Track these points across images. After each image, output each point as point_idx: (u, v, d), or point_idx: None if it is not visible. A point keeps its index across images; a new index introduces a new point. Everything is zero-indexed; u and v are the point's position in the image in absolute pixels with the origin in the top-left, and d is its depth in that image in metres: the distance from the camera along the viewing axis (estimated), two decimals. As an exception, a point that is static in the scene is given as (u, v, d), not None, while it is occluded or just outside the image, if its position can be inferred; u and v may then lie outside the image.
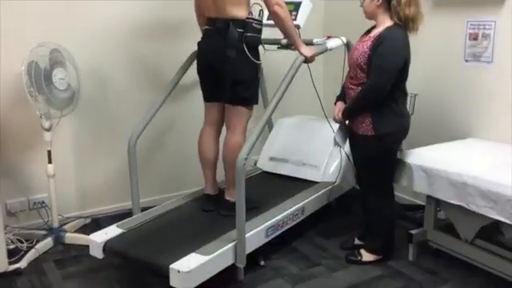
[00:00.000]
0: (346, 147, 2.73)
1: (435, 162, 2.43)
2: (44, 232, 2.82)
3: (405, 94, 2.49)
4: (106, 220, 2.98)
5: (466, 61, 2.82)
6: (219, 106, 2.75)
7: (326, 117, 2.90)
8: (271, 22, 2.67)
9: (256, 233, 2.44)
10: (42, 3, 2.80)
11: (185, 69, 2.86)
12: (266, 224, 2.51)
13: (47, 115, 2.68)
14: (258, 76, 2.69)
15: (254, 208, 2.61)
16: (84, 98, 2.88)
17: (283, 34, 2.65)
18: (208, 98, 2.77)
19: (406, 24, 2.37)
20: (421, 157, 2.51)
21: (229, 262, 2.30)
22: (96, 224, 3.01)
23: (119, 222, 2.53)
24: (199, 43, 2.72)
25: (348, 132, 2.60)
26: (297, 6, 2.91)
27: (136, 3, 3.08)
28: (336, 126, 2.67)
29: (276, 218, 2.58)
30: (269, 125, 3.61)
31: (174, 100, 3.11)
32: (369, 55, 2.37)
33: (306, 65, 2.67)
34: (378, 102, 2.38)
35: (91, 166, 3.10)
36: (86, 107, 2.96)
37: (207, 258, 2.18)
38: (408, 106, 2.62)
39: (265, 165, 3.38)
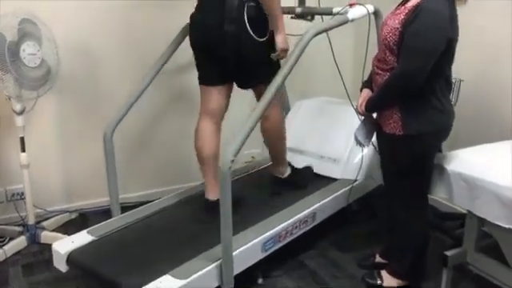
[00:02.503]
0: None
1: (480, 170, 1.89)
2: (19, 229, 2.50)
3: (448, 83, 1.95)
4: (95, 215, 2.67)
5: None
6: (220, 89, 2.29)
7: (351, 101, 2.40)
8: None
9: (249, 248, 2.01)
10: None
11: (174, 47, 2.43)
12: (263, 236, 2.08)
13: (18, 97, 2.31)
14: (269, 52, 2.20)
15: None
16: (66, 76, 2.51)
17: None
18: (205, 80, 2.30)
19: None
20: (462, 162, 1.98)
21: (212, 285, 1.89)
22: (83, 220, 2.69)
23: (91, 228, 2.17)
24: (192, 15, 2.25)
25: (374, 128, 2.10)
26: None
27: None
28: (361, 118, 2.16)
29: (277, 228, 2.15)
30: (285, 108, 3.14)
31: (168, 81, 2.73)
32: (400, 32, 1.84)
33: (327, 38, 2.26)
34: (410, 94, 1.86)
35: (77, 153, 2.74)
36: (68, 86, 2.60)
37: (183, 282, 1.78)
38: (451, 95, 2.08)
39: (278, 156, 2.92)
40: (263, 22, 2.16)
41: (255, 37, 2.12)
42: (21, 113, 2.35)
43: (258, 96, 2.28)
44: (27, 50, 2.25)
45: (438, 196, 2.05)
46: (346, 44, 3.11)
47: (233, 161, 1.81)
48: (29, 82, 2.29)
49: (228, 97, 2.35)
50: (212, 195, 2.31)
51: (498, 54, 2.41)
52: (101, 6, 2.64)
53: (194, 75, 2.75)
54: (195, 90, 2.84)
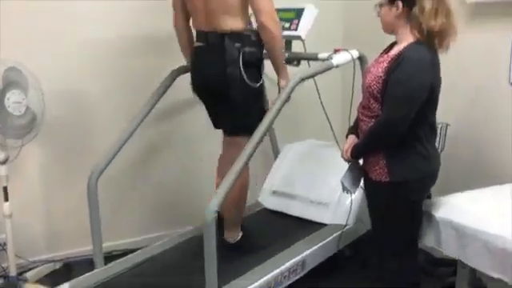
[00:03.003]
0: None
1: (469, 217, 1.86)
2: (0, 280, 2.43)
3: (433, 129, 1.95)
4: (81, 265, 2.58)
5: (512, 84, 2.26)
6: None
7: (338, 144, 2.39)
8: None
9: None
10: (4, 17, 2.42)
11: (162, 91, 2.43)
12: (250, 288, 2.02)
13: (2, 146, 2.29)
14: (262, 99, 2.28)
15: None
16: (51, 122, 2.49)
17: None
18: (214, 124, 2.41)
19: (430, 40, 1.83)
20: (450, 208, 1.95)
21: None
22: (68, 270, 2.62)
23: (73, 280, 2.10)
24: (191, 63, 2.32)
25: (361, 174, 2.08)
26: (298, 13, 2.45)
27: (113, 17, 2.69)
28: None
29: (264, 279, 2.08)
30: (274, 150, 3.14)
31: (158, 121, 2.72)
32: (384, 80, 1.85)
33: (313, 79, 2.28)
34: (394, 141, 1.85)
35: (62, 201, 2.69)
36: (53, 132, 2.58)
37: None
38: (437, 140, 2.08)
39: (266, 200, 2.89)
40: (258, 68, 2.22)
41: (248, 81, 2.15)
42: (4, 162, 2.32)
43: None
44: (12, 98, 2.25)
45: (427, 244, 2.01)
46: (334, 86, 3.14)
47: (216, 211, 1.79)
48: (13, 131, 2.27)
49: None
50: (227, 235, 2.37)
51: (480, 97, 2.42)
52: (88, 51, 2.65)
53: (186, 116, 2.78)
54: (188, 131, 2.88)
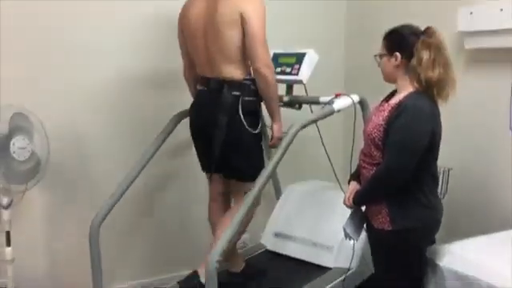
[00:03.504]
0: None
1: (474, 268, 1.84)
2: (-1, 328, 2.40)
3: (434, 178, 1.96)
4: None
5: (513, 130, 2.27)
6: (220, 177, 2.42)
7: (341, 186, 2.40)
8: (278, 77, 2.42)
9: None
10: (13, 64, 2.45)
11: (164, 136, 2.46)
12: None
13: (5, 191, 2.30)
14: (260, 144, 2.33)
15: None
16: (56, 166, 2.50)
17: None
18: (204, 167, 2.46)
19: (429, 90, 1.86)
20: (455, 257, 1.93)
21: None
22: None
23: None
24: (191, 105, 2.40)
25: (363, 221, 2.07)
26: (299, 57, 2.49)
27: (119, 60, 2.73)
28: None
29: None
30: (276, 191, 3.13)
31: (161, 163, 2.71)
32: (385, 129, 1.87)
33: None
34: (396, 189, 1.86)
35: (65, 245, 2.66)
36: (57, 176, 2.58)
37: None
38: (440, 185, 2.08)
39: (268, 241, 2.87)
40: (256, 116, 2.29)
41: (248, 128, 2.22)
42: (7, 207, 2.32)
43: (235, 190, 2.36)
44: (17, 143, 2.27)
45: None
46: (336, 127, 3.15)
47: (218, 261, 1.79)
48: (17, 177, 2.29)
49: (227, 183, 2.44)
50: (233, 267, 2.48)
51: (481, 143, 2.44)
52: (92, 93, 2.67)
53: (188, 157, 2.77)
54: (190, 172, 2.84)
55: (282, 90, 2.58)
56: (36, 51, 2.52)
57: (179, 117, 2.51)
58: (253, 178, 2.13)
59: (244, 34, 2.16)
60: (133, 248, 2.85)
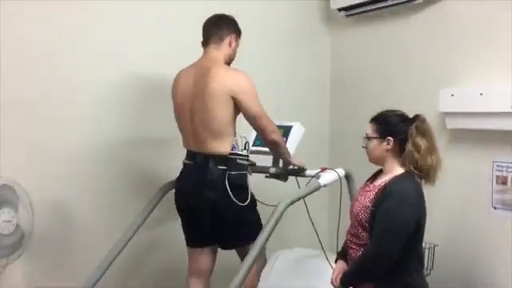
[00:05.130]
0: None
1: None
2: None
3: (420, 258, 1.98)
4: None
5: (495, 208, 2.32)
6: (205, 252, 2.41)
7: (328, 259, 2.40)
8: (259, 148, 2.48)
9: None
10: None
11: (152, 207, 2.46)
12: None
13: (-14, 265, 2.25)
14: (252, 213, 2.34)
15: None
16: (39, 237, 2.45)
17: (279, 157, 2.43)
18: (190, 241, 2.43)
19: (426, 175, 1.92)
20: None
21: None
22: None
23: None
24: (177, 179, 2.41)
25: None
26: (286, 130, 2.55)
27: (106, 126, 2.74)
28: None
29: None
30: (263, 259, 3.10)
31: (148, 232, 2.67)
32: (371, 211, 1.90)
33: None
34: (383, 271, 1.87)
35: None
36: (41, 247, 2.52)
37: None
38: (426, 261, 2.10)
39: (254, 313, 2.82)
40: (244, 189, 2.29)
41: (237, 202, 2.23)
42: (-13, 281, 2.27)
43: (241, 256, 2.35)
44: (2, 217, 2.24)
45: None
46: (321, 195, 3.17)
47: None
48: (0, 250, 2.24)
49: (213, 257, 2.44)
50: None
51: (465, 220, 2.48)
52: (76, 163, 2.64)
53: (174, 228, 2.74)
54: (177, 245, 2.75)
55: (268, 161, 2.62)
56: (20, 121, 2.51)
57: (165, 188, 2.51)
58: (254, 238, 2.14)
59: (235, 109, 2.23)
60: None
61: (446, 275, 2.44)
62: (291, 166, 2.45)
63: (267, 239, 2.11)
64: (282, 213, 2.15)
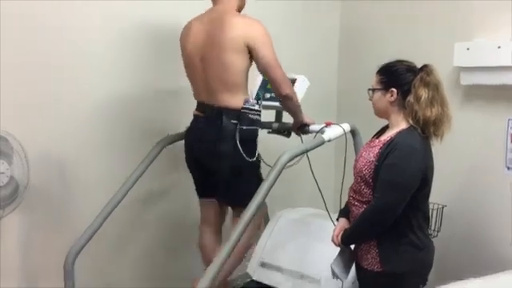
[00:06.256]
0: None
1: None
2: None
3: (426, 217, 1.89)
4: None
5: (508, 168, 2.21)
6: (215, 204, 2.39)
7: (331, 218, 2.31)
8: (269, 103, 2.40)
9: None
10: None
11: (149, 161, 2.38)
12: None
13: (-20, 216, 2.21)
14: (257, 171, 2.29)
15: None
16: (36, 191, 2.39)
17: (291, 114, 2.35)
18: (200, 193, 2.42)
19: (425, 129, 1.81)
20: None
21: None
22: None
23: None
24: (187, 131, 2.35)
25: (352, 259, 2.00)
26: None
27: (108, 80, 2.62)
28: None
29: None
30: (265, 218, 3.05)
31: (143, 194, 2.62)
32: (375, 166, 1.81)
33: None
34: (386, 228, 1.79)
35: (43, 275, 2.51)
36: (39, 202, 2.46)
37: None
38: (433, 222, 2.01)
39: (255, 272, 2.76)
40: (254, 144, 2.24)
41: (246, 157, 2.17)
42: (-18, 233, 2.24)
43: (235, 219, 2.30)
44: (-5, 168, 2.19)
45: None
46: (327, 152, 3.08)
47: None
48: (-7, 202, 2.20)
49: (223, 209, 2.42)
50: None
51: (476, 181, 2.38)
52: (75, 116, 2.55)
53: (173, 182, 2.69)
54: (175, 199, 2.75)
55: (271, 116, 2.53)
56: (20, 71, 2.41)
57: (164, 142, 2.43)
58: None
59: (250, 60, 2.16)
60: (112, 278, 2.71)
61: (454, 237, 2.37)
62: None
63: (267, 192, 2.01)
64: (284, 166, 2.05)
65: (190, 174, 2.42)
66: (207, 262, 2.31)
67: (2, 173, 2.20)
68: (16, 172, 2.25)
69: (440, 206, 2.29)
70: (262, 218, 2.51)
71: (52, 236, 2.54)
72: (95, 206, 2.35)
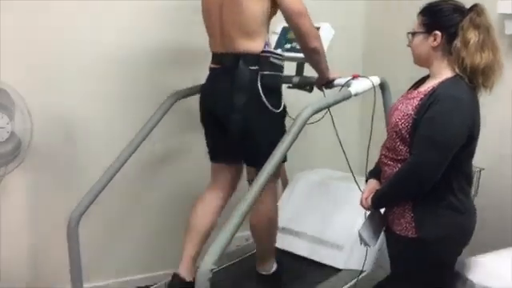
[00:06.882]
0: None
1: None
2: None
3: (469, 180, 1.69)
4: None
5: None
6: (230, 168, 2.20)
7: (355, 179, 2.14)
8: (290, 54, 2.23)
9: None
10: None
11: (158, 117, 2.21)
12: None
13: (-19, 174, 2.08)
14: (283, 125, 2.07)
15: None
16: (41, 150, 2.29)
17: (317, 69, 2.14)
18: (214, 156, 2.21)
19: (473, 78, 1.59)
20: (487, 271, 1.69)
21: None
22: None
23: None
24: (202, 86, 2.15)
25: (382, 225, 1.82)
26: None
27: (114, 33, 2.46)
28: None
29: None
30: (283, 180, 2.88)
31: (151, 151, 2.49)
32: (414, 120, 1.60)
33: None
34: (424, 190, 1.59)
35: (49, 234, 2.43)
36: (43, 159, 2.36)
37: None
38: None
39: (272, 237, 2.63)
40: (278, 93, 2.04)
41: (270, 107, 1.97)
42: (-16, 191, 2.11)
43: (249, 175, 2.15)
44: (-5, 122, 2.04)
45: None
46: (351, 109, 2.87)
47: (212, 270, 1.53)
48: (-4, 158, 2.06)
49: (237, 175, 2.24)
50: (186, 273, 2.10)
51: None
52: (82, 71, 2.43)
53: (180, 146, 2.53)
54: (182, 163, 2.63)
55: (291, 69, 2.32)
56: (21, 22, 2.26)
57: (178, 95, 2.25)
58: None
59: (274, 9, 1.96)
60: (121, 240, 2.63)
61: (492, 203, 2.17)
62: None
63: (286, 150, 1.81)
64: (305, 121, 1.84)
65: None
66: (192, 221, 2.16)
67: (2, 127, 2.06)
68: (17, 128, 2.13)
69: (477, 169, 2.09)
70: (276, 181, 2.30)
71: (58, 197, 2.44)
72: (104, 165, 2.19)
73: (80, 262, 2.04)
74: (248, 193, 1.71)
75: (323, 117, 2.15)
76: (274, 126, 2.02)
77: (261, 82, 1.95)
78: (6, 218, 2.32)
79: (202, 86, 2.16)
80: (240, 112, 1.97)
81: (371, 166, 1.89)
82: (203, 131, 2.20)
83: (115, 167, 2.07)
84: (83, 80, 2.43)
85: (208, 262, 1.52)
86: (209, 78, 2.13)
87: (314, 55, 2.03)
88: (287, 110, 2.11)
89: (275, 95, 2.02)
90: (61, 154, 2.44)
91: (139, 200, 2.67)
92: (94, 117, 2.48)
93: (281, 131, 2.02)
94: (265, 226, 2.15)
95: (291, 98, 2.24)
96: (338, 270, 2.33)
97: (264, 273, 2.28)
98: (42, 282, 2.47)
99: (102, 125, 2.50)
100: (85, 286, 2.11)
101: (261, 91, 1.95)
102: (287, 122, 2.03)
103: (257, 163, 2.06)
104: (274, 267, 2.30)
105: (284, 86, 2.28)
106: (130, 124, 2.38)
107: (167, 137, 2.62)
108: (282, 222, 2.61)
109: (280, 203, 2.72)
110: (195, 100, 2.20)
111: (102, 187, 2.03)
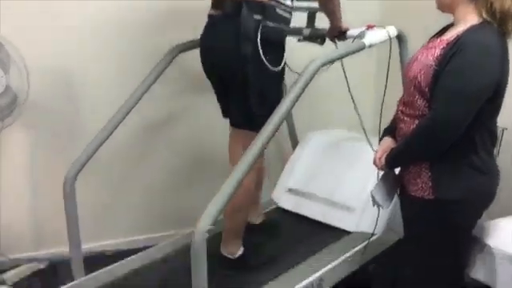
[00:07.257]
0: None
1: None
2: (-26, 282, 2.18)
3: (493, 135, 1.55)
4: (69, 265, 2.22)
5: None
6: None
7: (368, 139, 2.02)
8: (301, 3, 2.09)
9: None
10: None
11: (161, 69, 2.09)
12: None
13: (-24, 128, 2.01)
14: (280, 86, 1.93)
15: None
16: (39, 105, 2.23)
17: (330, 16, 2.03)
18: (223, 113, 2.08)
19: (502, 24, 1.44)
20: (507, 236, 1.57)
21: None
22: (53, 270, 2.34)
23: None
24: (201, 36, 1.95)
25: (396, 186, 1.70)
26: None
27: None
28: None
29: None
30: (292, 140, 2.78)
31: (154, 107, 2.41)
32: (435, 71, 1.45)
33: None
34: (443, 149, 1.46)
35: (49, 192, 2.34)
36: (41, 114, 2.31)
37: None
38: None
39: (280, 198, 2.54)
40: (280, 49, 1.87)
41: (267, 63, 1.80)
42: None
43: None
44: (-13, 74, 1.95)
45: (476, 277, 1.63)
46: (366, 65, 2.71)
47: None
48: (-10, 111, 1.98)
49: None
50: (224, 249, 2.02)
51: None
52: (82, 26, 2.35)
53: (187, 104, 2.41)
54: (187, 122, 2.54)
55: (302, 21, 2.18)
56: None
57: (179, 48, 2.12)
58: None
59: None
60: (123, 200, 2.59)
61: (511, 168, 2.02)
62: None
63: (291, 106, 1.67)
64: (314, 73, 1.69)
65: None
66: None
67: (-4, 81, 1.96)
68: (13, 81, 2.05)
69: (500, 129, 1.94)
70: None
71: (56, 154, 2.39)
72: (103, 123, 2.10)
73: (77, 222, 1.98)
74: (245, 155, 1.59)
75: (328, 67, 1.99)
76: (269, 85, 1.86)
77: (261, 34, 1.78)
78: (3, 176, 2.29)
79: (201, 35, 1.97)
80: (237, 64, 1.79)
81: (385, 126, 1.75)
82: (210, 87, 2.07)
83: (113, 123, 1.98)
84: (82, 38, 2.35)
85: (205, 222, 1.44)
86: (207, 27, 1.94)
87: (329, 2, 1.92)
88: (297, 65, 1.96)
89: (276, 50, 1.85)
90: (60, 112, 2.39)
91: (143, 157, 2.61)
92: (93, 74, 2.40)
93: (277, 92, 1.90)
94: (242, 199, 1.89)
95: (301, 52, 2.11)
96: (349, 233, 2.24)
97: (230, 256, 2.04)
98: (42, 245, 2.45)
99: (100, 82, 2.42)
100: (83, 246, 2.05)
101: (259, 43, 1.77)
102: (294, 77, 1.88)
103: (243, 125, 1.92)
104: (241, 251, 2.06)
105: (293, 40, 2.14)
106: (130, 81, 2.24)
107: (169, 96, 2.53)
108: (290, 183, 2.55)
109: (289, 164, 2.64)
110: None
111: (98, 144, 1.94)
